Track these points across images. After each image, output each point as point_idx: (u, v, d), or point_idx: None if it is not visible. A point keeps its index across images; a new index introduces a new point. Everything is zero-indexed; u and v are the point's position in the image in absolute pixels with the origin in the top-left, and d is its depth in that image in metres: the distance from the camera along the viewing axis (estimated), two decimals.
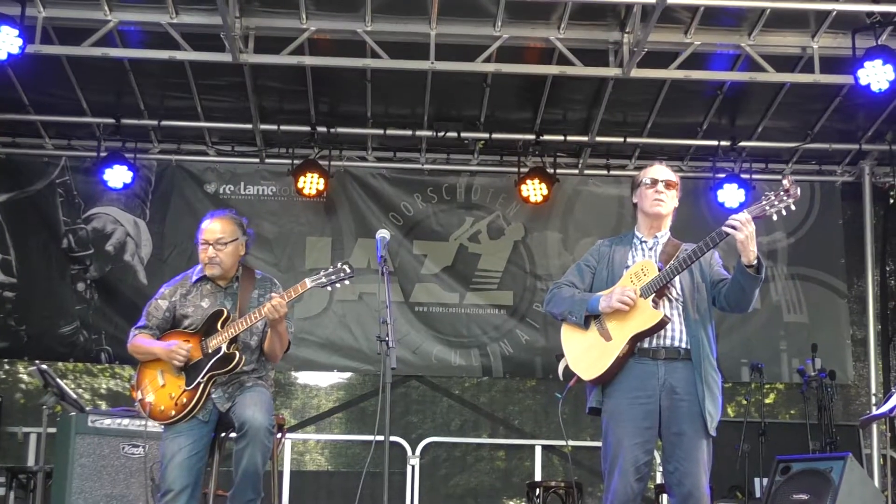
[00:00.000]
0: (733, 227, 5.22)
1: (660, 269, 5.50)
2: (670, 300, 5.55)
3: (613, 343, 5.53)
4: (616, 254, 5.80)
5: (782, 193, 5.21)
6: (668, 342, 5.52)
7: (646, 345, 5.51)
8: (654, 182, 5.74)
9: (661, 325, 5.45)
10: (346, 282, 6.14)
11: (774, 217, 5.25)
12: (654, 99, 10.44)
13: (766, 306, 11.20)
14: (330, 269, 6.13)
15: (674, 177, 5.80)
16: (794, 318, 11.32)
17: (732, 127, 10.96)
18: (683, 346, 5.52)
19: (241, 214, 6.68)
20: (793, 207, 5.22)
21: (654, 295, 5.46)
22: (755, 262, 5.30)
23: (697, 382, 5.45)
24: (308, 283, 6.13)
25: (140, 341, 6.34)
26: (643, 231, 5.82)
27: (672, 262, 5.51)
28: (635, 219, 5.90)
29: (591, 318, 5.64)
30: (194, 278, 6.45)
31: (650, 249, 5.75)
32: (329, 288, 6.18)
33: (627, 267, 5.69)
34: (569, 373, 5.77)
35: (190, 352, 6.16)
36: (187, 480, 6.06)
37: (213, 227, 6.38)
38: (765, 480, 8.57)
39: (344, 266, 6.13)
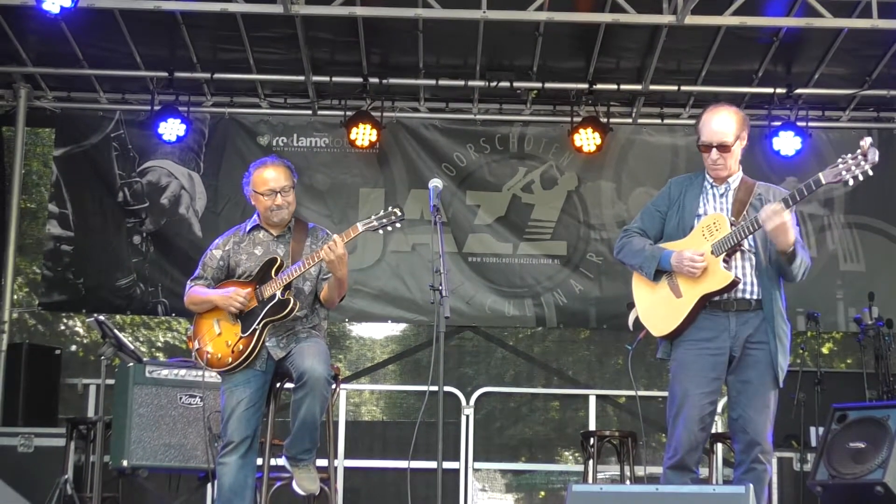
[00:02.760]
0: (765, 220, 5.22)
1: (732, 225, 5.44)
2: (742, 252, 5.50)
3: (684, 301, 5.49)
4: (687, 198, 5.70)
5: (860, 157, 5.09)
6: (739, 294, 5.49)
7: (716, 297, 5.48)
8: (708, 148, 5.63)
9: (732, 286, 5.42)
10: (398, 225, 6.16)
11: (850, 182, 5.14)
12: (709, 46, 10.30)
13: (823, 255, 11.06)
14: (381, 213, 6.15)
15: (730, 132, 5.63)
16: (850, 267, 11.18)
17: (788, 74, 10.79)
18: (755, 297, 5.48)
19: (295, 166, 6.78)
20: (870, 172, 5.10)
21: (724, 254, 5.41)
22: (789, 251, 5.30)
23: (769, 333, 5.42)
24: (360, 226, 6.16)
25: (196, 291, 6.43)
26: (713, 176, 5.75)
27: (742, 221, 5.45)
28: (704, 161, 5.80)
29: (661, 272, 5.61)
30: (248, 227, 6.52)
31: (721, 196, 5.66)
32: (381, 231, 6.20)
33: (699, 216, 5.61)
34: (639, 324, 5.75)
35: (247, 299, 6.23)
36: (247, 432, 6.17)
37: (279, 176, 6.44)
38: (821, 429, 8.53)
39: (395, 209, 6.15)
